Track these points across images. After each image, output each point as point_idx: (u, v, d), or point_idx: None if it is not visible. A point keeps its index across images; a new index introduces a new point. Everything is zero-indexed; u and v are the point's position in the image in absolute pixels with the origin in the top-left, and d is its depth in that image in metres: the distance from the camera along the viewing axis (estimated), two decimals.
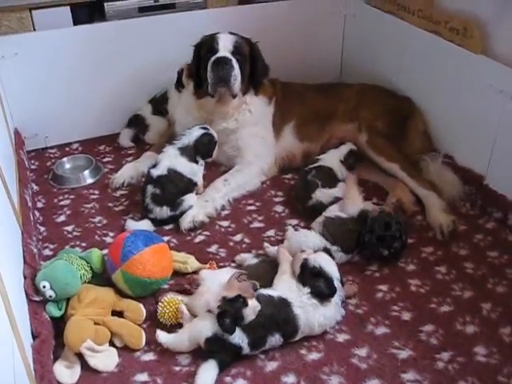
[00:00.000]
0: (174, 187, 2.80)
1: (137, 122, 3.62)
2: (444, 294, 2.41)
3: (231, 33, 3.08)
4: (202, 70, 3.05)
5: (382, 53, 3.65)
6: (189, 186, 2.86)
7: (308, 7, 3.82)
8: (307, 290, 2.16)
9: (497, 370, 2.05)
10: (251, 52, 3.11)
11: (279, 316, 2.09)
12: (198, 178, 2.91)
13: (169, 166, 2.81)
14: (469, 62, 2.92)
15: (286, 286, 2.20)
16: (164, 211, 2.79)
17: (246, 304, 2.02)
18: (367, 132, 3.19)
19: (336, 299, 2.19)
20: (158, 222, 2.82)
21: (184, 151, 2.86)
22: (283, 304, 2.13)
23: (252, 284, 2.09)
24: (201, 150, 2.89)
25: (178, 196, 2.81)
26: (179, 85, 3.48)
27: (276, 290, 2.19)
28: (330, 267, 2.23)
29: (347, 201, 2.72)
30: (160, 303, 2.24)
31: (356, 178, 3.09)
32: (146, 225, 2.78)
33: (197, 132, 2.91)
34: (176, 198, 2.81)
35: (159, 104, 3.61)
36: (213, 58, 2.96)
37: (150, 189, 2.79)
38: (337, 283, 2.20)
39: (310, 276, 2.19)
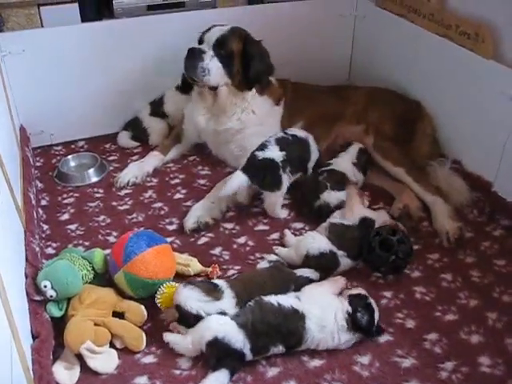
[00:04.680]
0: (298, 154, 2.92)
1: (133, 126, 3.59)
2: (449, 302, 2.37)
3: (230, 26, 3.06)
4: None
5: (391, 56, 3.62)
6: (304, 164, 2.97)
7: (318, 8, 3.79)
8: (350, 308, 2.13)
9: (501, 381, 2.02)
10: (244, 48, 3.05)
11: (286, 327, 2.06)
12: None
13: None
14: (480, 67, 2.88)
15: (316, 298, 2.18)
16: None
17: None
18: (374, 135, 3.17)
19: (356, 337, 2.15)
20: None
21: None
22: (294, 315, 2.09)
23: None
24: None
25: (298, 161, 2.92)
26: (182, 87, 3.49)
27: (298, 298, 2.16)
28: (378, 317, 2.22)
29: (346, 209, 2.68)
30: (161, 286, 2.25)
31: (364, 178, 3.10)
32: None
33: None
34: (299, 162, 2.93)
35: (157, 106, 3.59)
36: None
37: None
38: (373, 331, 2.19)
39: (361, 304, 2.16)
